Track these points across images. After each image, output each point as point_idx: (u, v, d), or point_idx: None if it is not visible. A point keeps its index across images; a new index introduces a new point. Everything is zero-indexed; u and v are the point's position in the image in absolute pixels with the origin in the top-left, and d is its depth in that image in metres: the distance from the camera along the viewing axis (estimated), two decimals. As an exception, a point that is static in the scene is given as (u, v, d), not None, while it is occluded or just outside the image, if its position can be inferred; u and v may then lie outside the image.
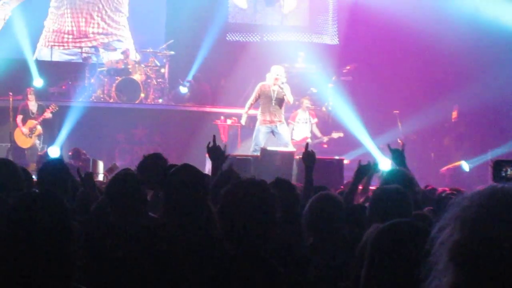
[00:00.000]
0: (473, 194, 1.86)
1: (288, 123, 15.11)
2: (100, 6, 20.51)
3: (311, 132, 16.28)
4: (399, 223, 2.80)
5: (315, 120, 16.51)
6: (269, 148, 13.33)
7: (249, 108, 14.16)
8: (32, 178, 6.15)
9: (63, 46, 20.30)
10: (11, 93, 16.47)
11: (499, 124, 17.13)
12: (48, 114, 16.35)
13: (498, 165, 5.01)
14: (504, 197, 1.81)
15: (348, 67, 18.99)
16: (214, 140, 5.84)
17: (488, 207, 1.80)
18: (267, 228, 3.29)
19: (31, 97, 16.48)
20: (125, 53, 18.59)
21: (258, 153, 12.89)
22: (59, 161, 6.31)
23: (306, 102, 16.30)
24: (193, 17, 19.49)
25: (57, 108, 16.48)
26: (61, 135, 16.28)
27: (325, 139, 16.64)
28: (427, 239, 1.89)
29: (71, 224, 2.90)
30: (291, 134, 15.53)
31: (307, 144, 7.09)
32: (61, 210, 2.88)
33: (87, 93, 18.27)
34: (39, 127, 16.36)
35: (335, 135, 16.78)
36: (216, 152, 5.74)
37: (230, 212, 3.29)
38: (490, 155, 15.34)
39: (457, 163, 16.24)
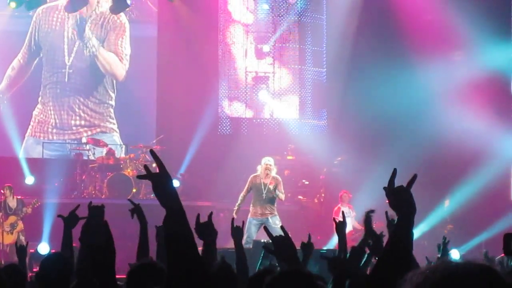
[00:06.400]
0: (426, 272, 1.84)
1: (334, 219, 14.79)
2: (81, 99, 20.52)
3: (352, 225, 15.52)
4: None
5: (354, 213, 15.87)
6: (261, 240, 13.16)
7: (242, 201, 14.06)
8: None
9: (48, 138, 20.28)
10: (2, 191, 16.25)
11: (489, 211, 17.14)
12: (28, 210, 15.94)
13: (508, 238, 4.88)
14: (458, 279, 1.80)
15: (339, 158, 19.01)
16: (210, 217, 5.42)
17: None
18: None
19: (8, 193, 15.98)
20: (109, 152, 18.66)
21: (251, 245, 12.74)
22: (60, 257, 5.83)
23: (345, 196, 15.89)
24: (184, 110, 19.59)
25: (39, 203, 16.15)
26: (49, 232, 15.82)
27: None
28: None
29: None
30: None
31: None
32: None
33: (79, 190, 18.24)
34: (20, 223, 15.85)
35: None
36: (205, 229, 5.29)
37: None
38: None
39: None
